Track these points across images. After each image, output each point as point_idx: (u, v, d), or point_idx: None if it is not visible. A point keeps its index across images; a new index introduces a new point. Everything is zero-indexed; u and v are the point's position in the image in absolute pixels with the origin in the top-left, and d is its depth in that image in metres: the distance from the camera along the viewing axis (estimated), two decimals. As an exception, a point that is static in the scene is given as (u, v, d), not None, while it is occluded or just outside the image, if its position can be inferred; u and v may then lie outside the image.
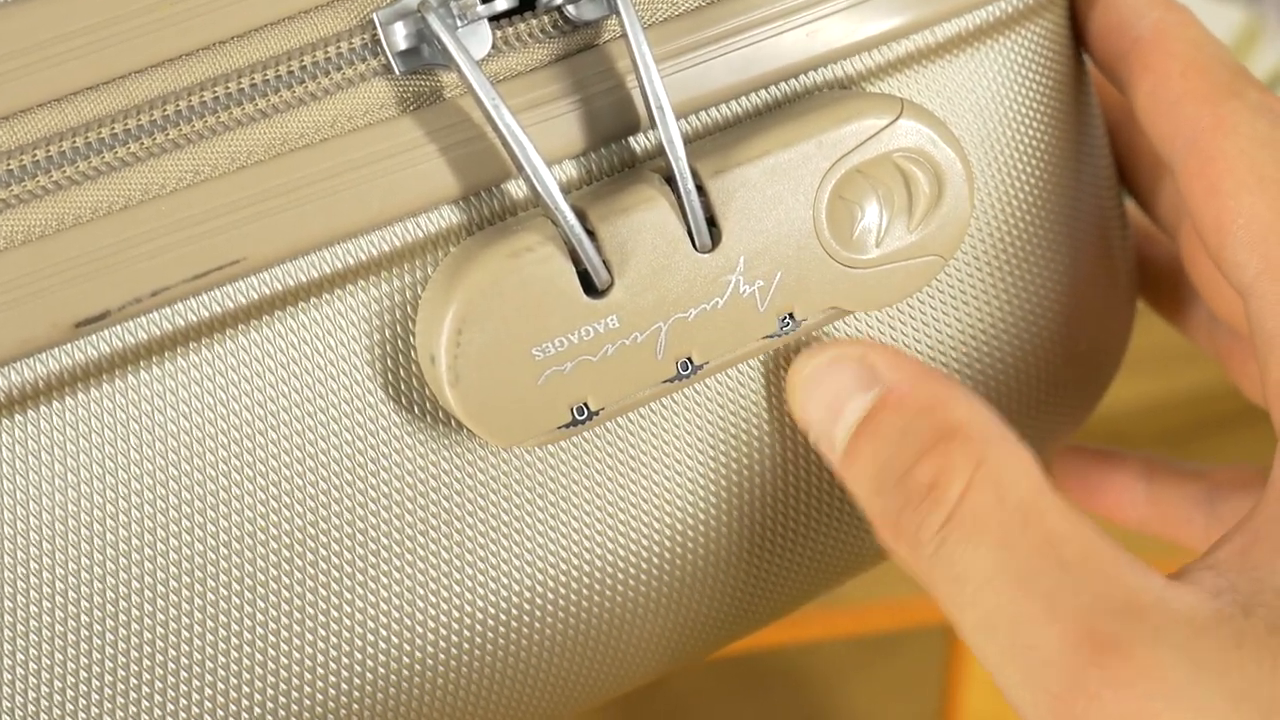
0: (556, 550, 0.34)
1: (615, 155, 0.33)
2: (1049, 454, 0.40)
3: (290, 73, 0.31)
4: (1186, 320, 0.42)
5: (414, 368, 0.32)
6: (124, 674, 0.32)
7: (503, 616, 0.34)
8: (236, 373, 0.31)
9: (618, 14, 0.31)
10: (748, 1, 0.33)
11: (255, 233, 0.31)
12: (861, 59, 0.34)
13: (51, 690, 0.32)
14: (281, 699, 0.33)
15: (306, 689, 0.33)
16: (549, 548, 0.34)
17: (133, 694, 0.32)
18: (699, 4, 0.33)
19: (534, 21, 0.32)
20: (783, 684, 0.87)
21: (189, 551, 0.32)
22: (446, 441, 0.33)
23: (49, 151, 0.30)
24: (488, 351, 0.31)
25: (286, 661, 0.33)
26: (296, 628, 0.33)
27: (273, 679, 0.33)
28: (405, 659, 0.34)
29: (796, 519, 0.36)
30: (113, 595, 0.32)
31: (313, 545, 0.33)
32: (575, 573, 0.35)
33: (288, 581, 0.33)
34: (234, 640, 0.33)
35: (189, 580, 0.32)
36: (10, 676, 0.31)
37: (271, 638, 0.33)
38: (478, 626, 0.34)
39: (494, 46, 0.32)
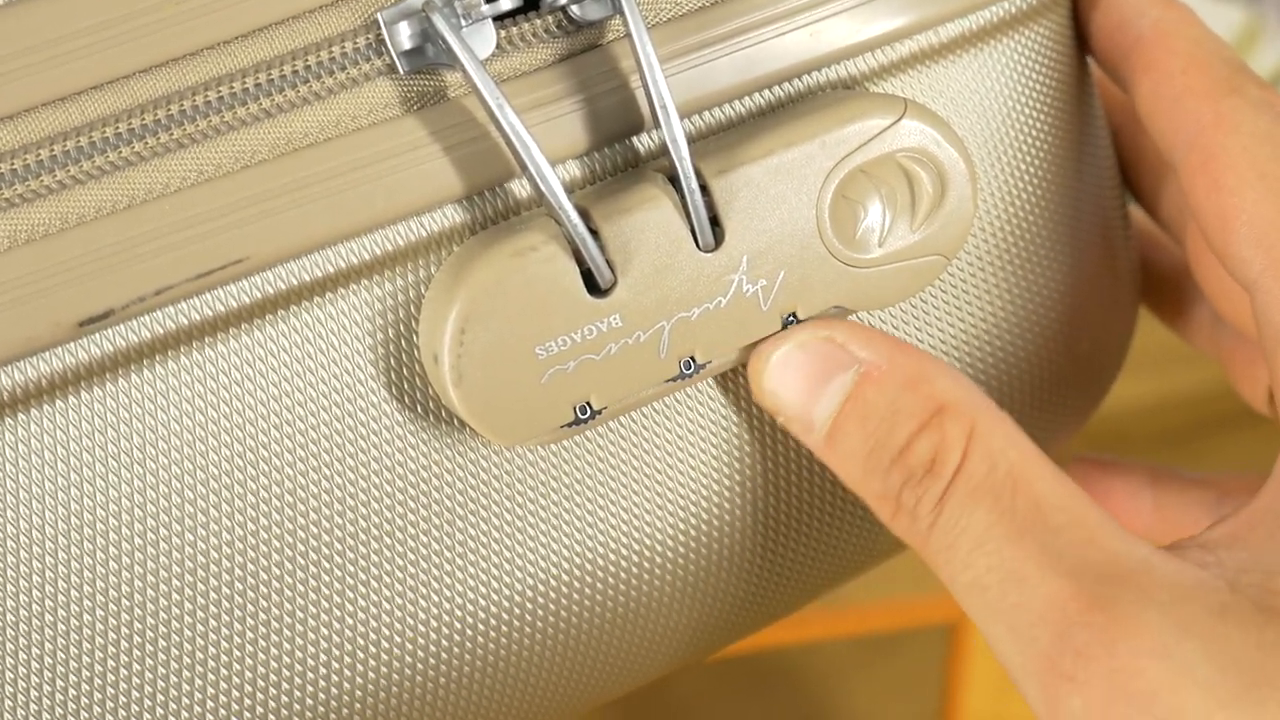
0: (559, 549, 0.34)
1: (619, 155, 0.33)
2: (1051, 454, 0.40)
3: (294, 72, 0.31)
4: (1188, 324, 0.42)
5: (417, 367, 0.32)
6: (126, 672, 0.32)
7: (506, 615, 0.34)
8: (240, 372, 0.31)
9: (621, 14, 0.31)
10: (751, 2, 0.33)
11: (259, 232, 0.31)
12: (865, 59, 0.34)
13: (54, 689, 0.32)
14: (284, 697, 0.33)
15: (310, 687, 0.33)
16: (552, 546, 0.34)
17: (134, 692, 0.32)
18: (703, 4, 0.33)
19: (538, 21, 0.32)
20: (783, 684, 0.87)
21: (192, 550, 0.32)
22: (449, 440, 0.33)
23: (53, 151, 0.30)
24: (491, 351, 0.31)
25: (289, 660, 0.33)
26: (300, 626, 0.33)
27: (275, 677, 0.33)
28: (408, 657, 0.34)
29: (799, 516, 0.36)
30: (114, 593, 0.32)
31: (316, 544, 0.33)
32: (578, 571, 0.35)
33: (291, 580, 0.33)
34: (237, 639, 0.33)
35: (192, 579, 0.32)
36: (13, 675, 0.31)
37: (275, 636, 0.33)
38: (481, 625, 0.34)
39: (498, 46, 0.32)
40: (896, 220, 0.33)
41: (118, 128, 0.30)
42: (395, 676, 0.34)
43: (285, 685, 0.33)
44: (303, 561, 0.33)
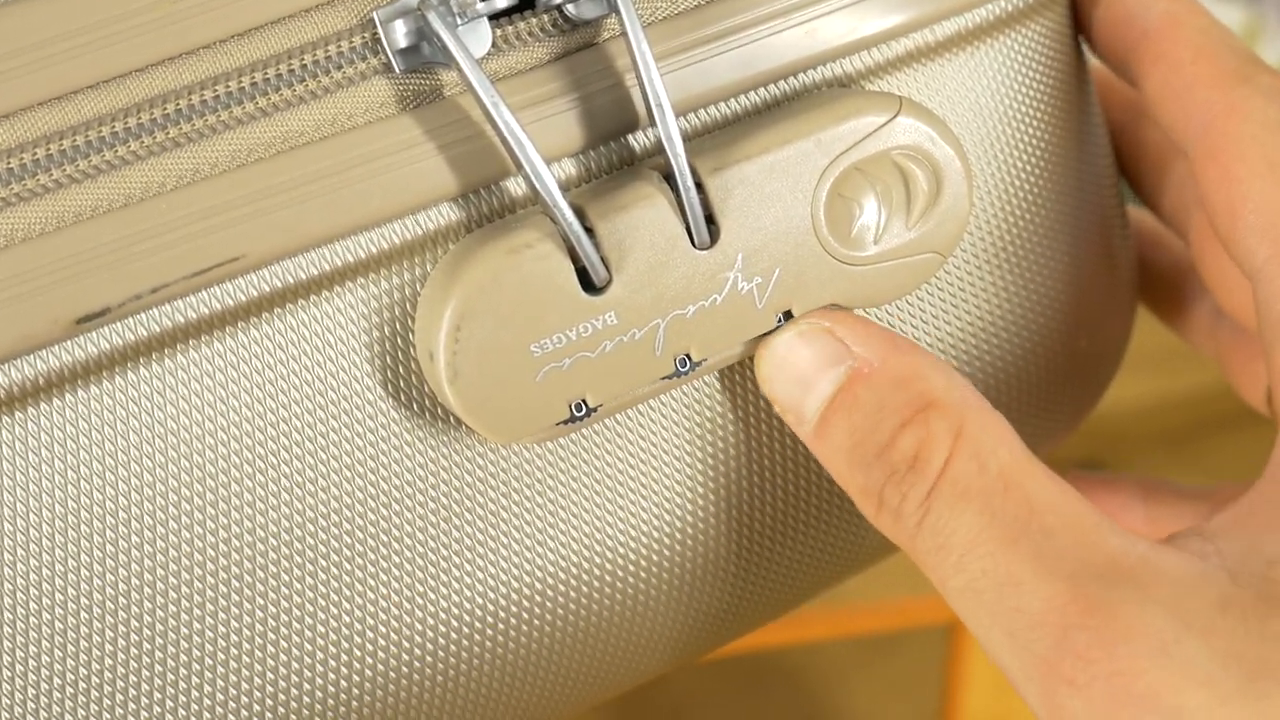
0: (556, 546, 0.34)
1: (614, 153, 0.33)
2: (1046, 453, 0.40)
3: (290, 71, 0.31)
4: (1186, 322, 0.42)
5: (413, 364, 0.32)
6: (123, 670, 0.32)
7: (502, 613, 0.34)
8: (236, 369, 0.32)
9: (617, 12, 0.31)
10: (747, 0, 0.33)
11: (255, 230, 0.31)
12: (860, 57, 0.34)
13: (51, 687, 0.32)
14: (281, 695, 0.33)
15: (306, 685, 0.33)
16: (548, 544, 0.34)
17: (132, 690, 0.32)
18: (698, 2, 0.33)
19: (534, 20, 0.32)
20: (783, 684, 0.87)
21: (188, 548, 0.32)
22: (445, 438, 0.33)
23: (49, 150, 0.30)
24: (486, 348, 0.31)
25: (286, 659, 0.33)
26: (296, 624, 0.33)
27: (272, 675, 0.33)
28: (404, 655, 0.34)
29: (803, 510, 0.36)
30: (112, 591, 0.32)
31: (312, 542, 0.33)
32: (574, 569, 0.35)
33: (287, 578, 0.33)
34: (234, 637, 0.33)
35: (188, 577, 0.32)
36: (10, 674, 0.31)
37: (271, 634, 0.33)
38: (476, 623, 0.34)
39: (494, 45, 0.32)
40: (892, 218, 0.33)
41: (114, 127, 0.30)
42: (390, 674, 0.34)
43: (281, 683, 0.33)
44: (298, 559, 0.33)
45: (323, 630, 0.33)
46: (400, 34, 0.31)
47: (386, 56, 0.31)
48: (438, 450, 0.33)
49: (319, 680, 0.33)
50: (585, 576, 0.35)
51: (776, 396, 0.33)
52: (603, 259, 0.31)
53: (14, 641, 0.31)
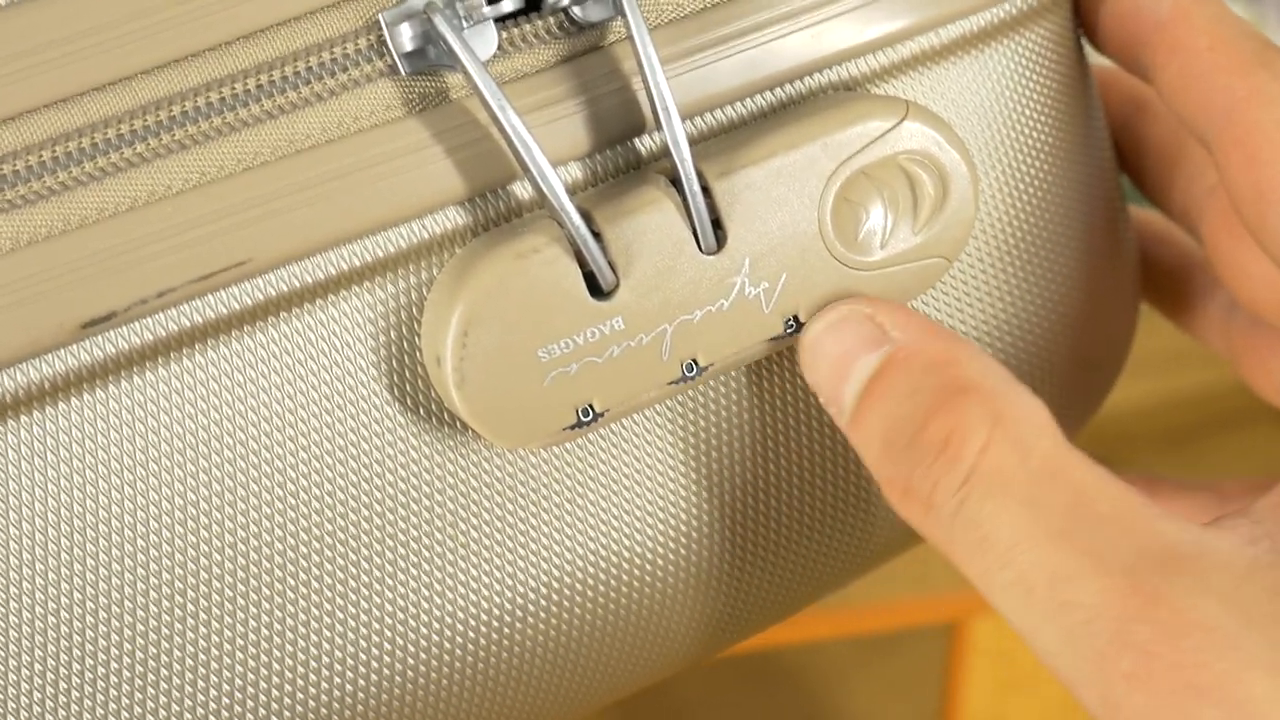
0: (561, 551, 0.34)
1: (621, 157, 0.33)
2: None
3: (296, 74, 0.31)
4: (1195, 319, 0.42)
5: (419, 369, 0.32)
6: (129, 674, 0.32)
7: (507, 617, 0.34)
8: (242, 374, 0.31)
9: (623, 15, 0.31)
10: (753, 3, 0.33)
11: (261, 234, 0.31)
12: (867, 61, 0.34)
13: (57, 691, 0.32)
14: (287, 700, 0.33)
15: (312, 689, 0.33)
16: (554, 549, 0.34)
17: (138, 694, 0.32)
18: (704, 6, 0.33)
19: (540, 23, 0.32)
20: (783, 684, 0.87)
21: (194, 552, 0.32)
22: (452, 443, 0.33)
23: (55, 152, 0.30)
24: (493, 353, 0.31)
25: (292, 663, 0.33)
26: (302, 629, 0.33)
27: (279, 679, 0.33)
28: (410, 659, 0.34)
29: (807, 514, 0.36)
30: (118, 596, 0.32)
31: (318, 546, 0.33)
32: (579, 573, 0.35)
33: (293, 583, 0.33)
34: (239, 640, 0.33)
35: (194, 580, 0.32)
36: (15, 678, 0.31)
37: (277, 638, 0.33)
38: (482, 627, 0.34)
39: (500, 47, 0.32)
40: (898, 222, 0.33)
41: (120, 129, 0.30)
42: (396, 678, 0.34)
43: (288, 686, 0.33)
44: (304, 564, 0.33)
45: (329, 634, 0.33)
46: (406, 37, 0.31)
47: (392, 59, 0.31)
48: (444, 455, 0.33)
49: (325, 684, 0.33)
50: (590, 581, 0.35)
51: (817, 384, 0.33)
52: (610, 263, 0.31)
53: (20, 646, 0.31)
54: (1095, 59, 0.39)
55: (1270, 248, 0.34)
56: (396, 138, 0.31)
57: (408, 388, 0.32)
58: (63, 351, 0.30)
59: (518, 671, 0.35)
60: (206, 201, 0.30)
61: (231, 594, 0.32)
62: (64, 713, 0.32)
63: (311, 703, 0.33)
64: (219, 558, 0.32)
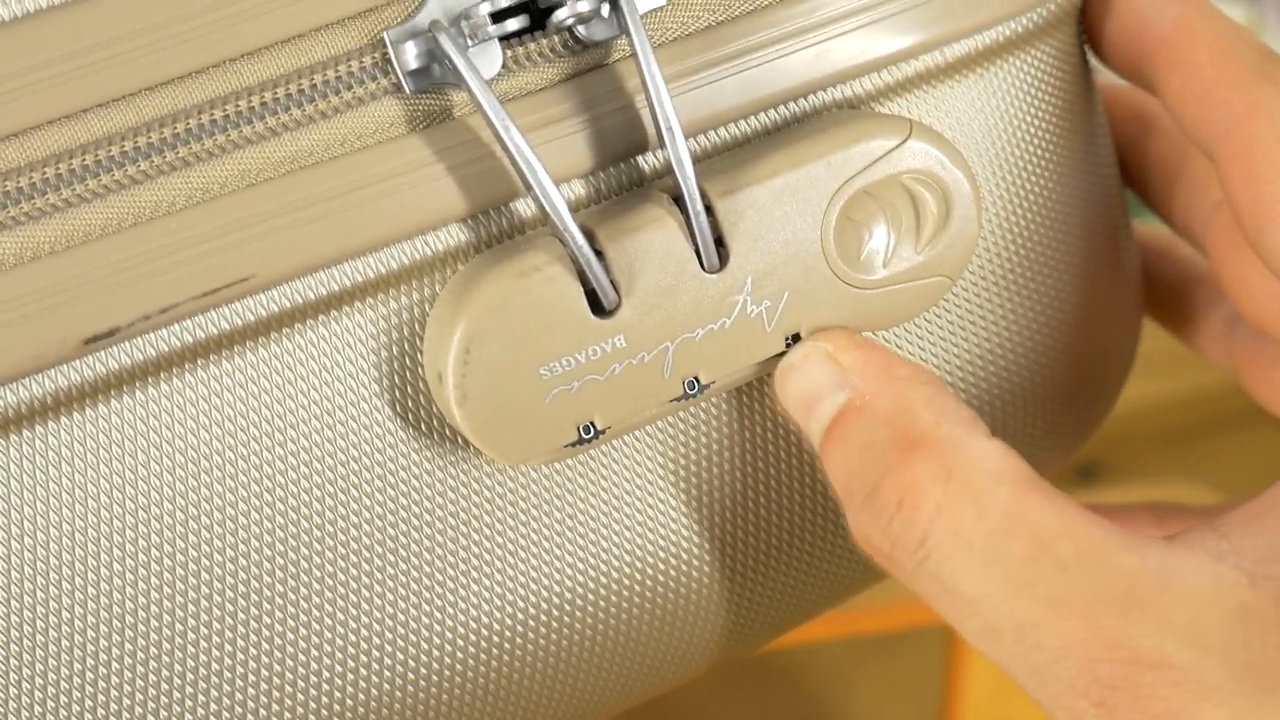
0: (561, 567, 0.34)
1: (624, 174, 0.33)
2: (1056, 468, 0.40)
3: (300, 91, 0.31)
4: (1197, 333, 0.42)
5: (421, 385, 0.32)
6: (129, 687, 0.32)
7: (507, 632, 0.34)
8: (244, 389, 0.32)
9: (627, 34, 0.31)
10: (757, 21, 0.33)
11: (264, 250, 0.31)
12: (870, 79, 0.34)
13: (58, 705, 0.32)
14: (287, 714, 0.33)
15: (311, 704, 0.33)
16: (553, 564, 0.34)
17: (138, 708, 0.32)
18: (708, 24, 0.33)
19: (544, 41, 0.32)
20: (783, 684, 0.87)
21: (195, 566, 0.32)
22: (453, 459, 0.33)
23: (58, 169, 0.30)
24: (495, 370, 0.31)
25: (291, 676, 0.33)
26: (303, 643, 0.33)
27: (278, 694, 0.33)
28: (409, 673, 0.34)
29: (808, 531, 0.37)
30: (119, 610, 0.32)
31: (319, 561, 0.33)
32: (579, 589, 0.35)
33: (293, 596, 0.33)
34: (239, 654, 0.33)
35: (194, 594, 0.32)
36: (17, 690, 0.32)
37: (278, 652, 0.33)
38: (481, 642, 0.34)
39: (504, 66, 0.32)
40: (901, 242, 0.33)
41: (123, 146, 0.30)
42: (396, 693, 0.34)
43: (287, 701, 0.33)
44: (305, 579, 0.33)
45: (329, 648, 0.33)
46: (411, 55, 0.31)
47: (397, 77, 0.31)
48: (445, 470, 0.33)
49: (324, 697, 0.33)
50: (589, 596, 0.35)
51: (788, 418, 0.33)
52: (612, 281, 0.31)
53: (20, 660, 0.31)
54: (1100, 73, 0.39)
55: (1271, 261, 0.34)
56: (400, 155, 0.31)
57: (409, 404, 0.32)
58: (65, 367, 0.30)
59: (514, 685, 0.35)
60: (210, 218, 0.30)
61: (231, 607, 0.32)
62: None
63: (311, 717, 0.33)
64: (219, 571, 0.32)
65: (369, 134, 0.31)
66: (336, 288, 0.32)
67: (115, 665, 0.32)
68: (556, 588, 0.34)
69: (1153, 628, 0.30)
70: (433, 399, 0.32)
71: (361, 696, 0.34)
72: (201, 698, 0.33)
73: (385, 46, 0.31)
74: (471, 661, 0.34)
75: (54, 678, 0.32)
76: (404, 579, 0.33)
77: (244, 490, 0.32)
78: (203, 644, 0.32)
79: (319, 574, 0.33)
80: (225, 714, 0.33)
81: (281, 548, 0.32)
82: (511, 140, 0.31)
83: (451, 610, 0.34)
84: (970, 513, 0.31)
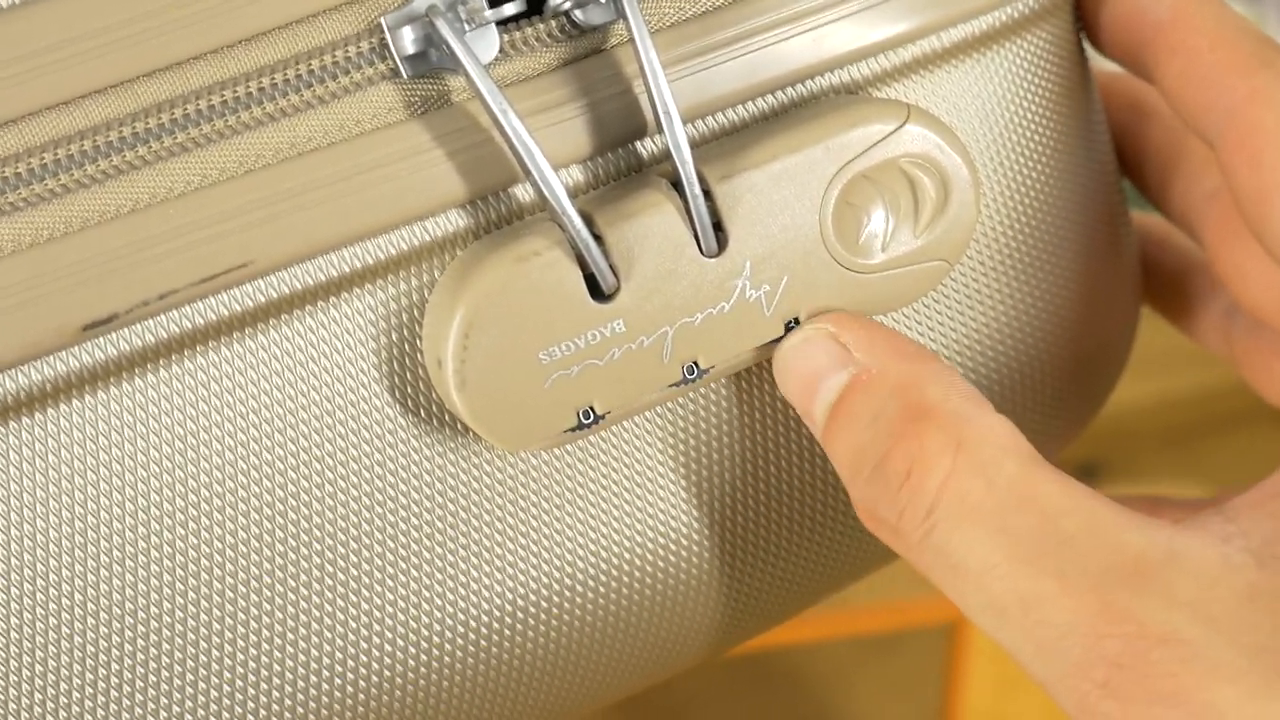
0: (561, 553, 0.34)
1: (622, 160, 0.33)
2: (1053, 455, 0.40)
3: (298, 76, 0.31)
4: (1196, 322, 0.42)
5: (421, 371, 0.32)
6: (129, 675, 0.32)
7: (507, 619, 0.34)
8: (244, 375, 0.32)
9: (625, 19, 0.31)
10: (755, 6, 0.33)
11: (263, 236, 0.31)
12: (868, 64, 0.34)
13: (58, 692, 0.32)
14: (287, 700, 0.33)
15: (312, 690, 0.33)
16: (553, 550, 0.34)
17: (138, 695, 0.32)
18: (706, 9, 0.33)
19: (541, 26, 0.32)
20: (783, 684, 0.87)
21: (195, 553, 0.32)
22: (453, 444, 0.33)
23: (56, 155, 0.30)
24: (494, 355, 0.31)
25: (292, 664, 0.33)
26: (303, 630, 0.33)
27: (279, 680, 0.33)
28: (409, 660, 0.34)
29: (809, 516, 0.37)
30: (119, 597, 0.32)
31: (319, 548, 0.33)
32: (579, 574, 0.35)
33: (294, 584, 0.33)
34: (240, 641, 0.33)
35: (194, 581, 0.32)
36: (16, 678, 0.31)
37: (278, 640, 0.33)
38: (481, 629, 0.34)
39: (501, 51, 0.32)
40: (899, 226, 0.33)
41: (122, 132, 0.30)
42: (396, 680, 0.34)
43: (288, 688, 0.33)
44: (305, 565, 0.33)
45: (329, 635, 0.33)
46: (408, 40, 0.31)
47: (394, 62, 0.31)
48: (444, 456, 0.33)
49: (325, 685, 0.33)
50: (589, 582, 0.35)
51: (790, 400, 0.33)
52: (611, 266, 0.31)
53: (20, 646, 0.31)
54: (1096, 62, 0.39)
55: (1273, 248, 0.34)
56: (398, 141, 0.31)
57: (409, 390, 0.32)
58: (64, 354, 0.30)
59: (516, 672, 0.35)
60: (209, 204, 0.30)
61: (232, 595, 0.32)
62: (64, 714, 0.32)
63: (311, 704, 0.33)
64: (219, 559, 0.32)
65: (367, 119, 0.31)
66: (335, 273, 0.32)
67: (115, 653, 0.32)
68: (557, 573, 0.34)
69: (1161, 603, 0.30)
70: (432, 384, 0.32)
71: (362, 683, 0.34)
72: (201, 684, 0.33)
73: (383, 31, 0.31)
74: (472, 646, 0.34)
75: (53, 665, 0.32)
76: (403, 564, 0.33)
77: (243, 477, 0.32)
78: (202, 630, 0.32)
79: (318, 560, 0.33)
80: (226, 700, 0.33)
81: (281, 534, 0.32)
82: (510, 125, 0.31)
83: (451, 595, 0.34)
84: (979, 484, 0.31)
